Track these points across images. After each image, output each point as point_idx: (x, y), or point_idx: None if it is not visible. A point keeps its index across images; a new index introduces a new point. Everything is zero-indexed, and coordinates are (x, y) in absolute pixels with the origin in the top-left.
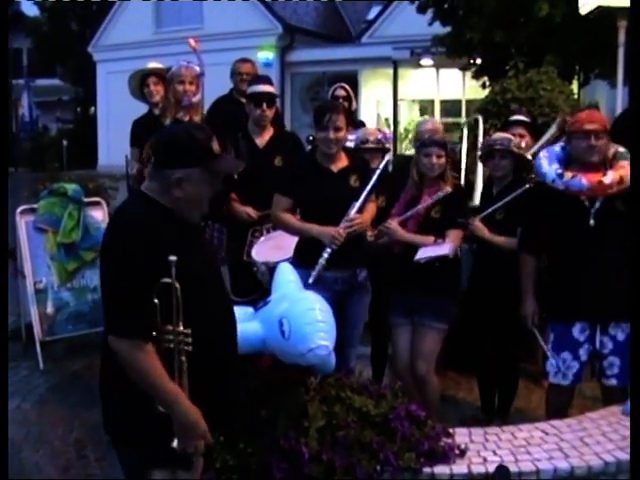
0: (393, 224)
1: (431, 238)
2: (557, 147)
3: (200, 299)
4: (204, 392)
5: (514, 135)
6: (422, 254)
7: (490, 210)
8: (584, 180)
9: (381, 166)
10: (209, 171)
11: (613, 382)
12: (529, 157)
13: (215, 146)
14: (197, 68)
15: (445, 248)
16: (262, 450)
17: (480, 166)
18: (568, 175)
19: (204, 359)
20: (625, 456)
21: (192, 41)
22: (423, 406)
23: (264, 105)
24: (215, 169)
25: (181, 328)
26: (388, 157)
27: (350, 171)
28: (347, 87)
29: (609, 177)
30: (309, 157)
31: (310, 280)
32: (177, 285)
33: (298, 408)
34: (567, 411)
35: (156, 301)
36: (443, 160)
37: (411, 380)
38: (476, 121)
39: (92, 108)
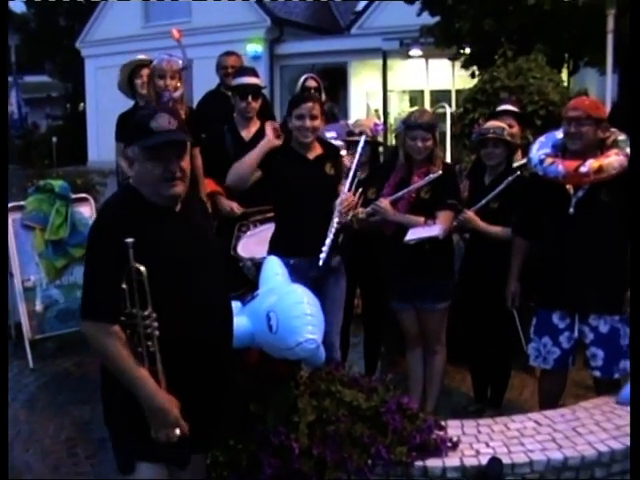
0: (384, 202)
1: (421, 219)
2: (559, 133)
3: (176, 284)
4: (181, 380)
5: None
6: (412, 235)
7: (484, 201)
8: (560, 167)
9: (359, 149)
10: (146, 148)
11: (597, 374)
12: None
13: (155, 123)
14: (180, 62)
15: (435, 229)
16: (252, 446)
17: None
18: (548, 161)
19: (181, 346)
20: (619, 445)
21: (175, 32)
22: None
23: (249, 97)
24: (149, 145)
25: (147, 312)
26: (364, 137)
27: (325, 159)
28: (317, 78)
29: (586, 166)
30: (285, 147)
31: (320, 262)
32: (142, 269)
33: (288, 403)
34: (559, 399)
35: (124, 286)
36: (430, 143)
37: (420, 350)
38: (466, 110)
39: (81, 104)
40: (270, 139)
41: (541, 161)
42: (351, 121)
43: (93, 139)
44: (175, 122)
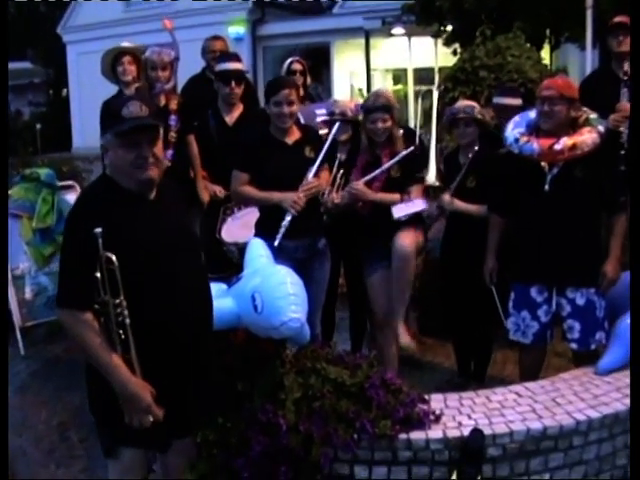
0: (360, 184)
1: (397, 195)
2: (532, 112)
3: (151, 271)
4: (158, 366)
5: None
6: (399, 213)
7: (457, 181)
8: (535, 145)
9: (332, 132)
10: (118, 135)
11: (574, 346)
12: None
13: (126, 111)
14: (172, 53)
15: (418, 204)
16: (241, 424)
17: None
18: (523, 139)
19: (159, 332)
20: (596, 414)
21: (167, 22)
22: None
23: (232, 83)
24: (121, 132)
25: (118, 301)
26: (337, 125)
27: (304, 143)
28: (302, 61)
29: (560, 143)
30: (263, 131)
31: (275, 243)
32: (113, 258)
33: (274, 381)
34: (539, 371)
35: (97, 275)
36: (389, 123)
37: (390, 334)
38: (446, 89)
39: (64, 90)
40: (289, 202)
41: (516, 140)
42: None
43: (77, 125)
44: (147, 109)
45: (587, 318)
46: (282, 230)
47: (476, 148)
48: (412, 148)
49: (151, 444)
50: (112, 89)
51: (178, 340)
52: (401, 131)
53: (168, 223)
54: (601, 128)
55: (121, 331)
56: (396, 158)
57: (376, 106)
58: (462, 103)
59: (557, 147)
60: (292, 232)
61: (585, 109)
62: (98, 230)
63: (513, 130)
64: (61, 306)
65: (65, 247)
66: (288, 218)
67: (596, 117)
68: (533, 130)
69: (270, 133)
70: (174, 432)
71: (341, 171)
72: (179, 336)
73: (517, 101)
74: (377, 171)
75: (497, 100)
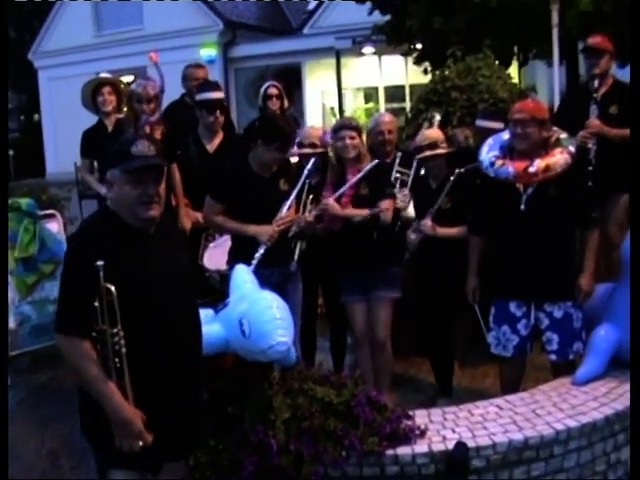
0: (330, 200)
1: (365, 211)
2: (506, 134)
3: (148, 303)
4: (151, 393)
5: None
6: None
7: (436, 206)
8: (510, 168)
9: (307, 167)
10: (126, 172)
11: (553, 357)
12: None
13: (135, 149)
14: (157, 86)
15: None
16: (232, 445)
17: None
18: (498, 163)
19: (153, 360)
20: (575, 423)
21: (153, 55)
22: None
23: (217, 112)
24: (129, 169)
25: (115, 330)
26: (314, 159)
27: (279, 175)
28: (279, 85)
29: (534, 166)
30: (242, 164)
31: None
32: (112, 289)
33: (264, 402)
34: (519, 384)
35: (96, 304)
36: (357, 141)
37: (368, 349)
38: (419, 110)
39: (36, 115)
40: (266, 236)
41: (492, 163)
42: (301, 129)
43: (50, 151)
44: (154, 148)
45: (565, 330)
46: (255, 262)
47: (451, 178)
48: (376, 162)
49: (143, 467)
50: (85, 114)
51: (171, 367)
52: (368, 154)
53: (164, 256)
54: (572, 148)
55: (117, 359)
56: (361, 173)
57: (343, 124)
58: (426, 137)
59: (531, 169)
60: (266, 260)
61: (555, 129)
62: (100, 263)
63: (488, 153)
64: (60, 332)
65: (67, 276)
66: (261, 250)
67: (566, 137)
68: (507, 152)
69: (249, 165)
70: (166, 455)
71: (310, 196)
72: (172, 363)
73: (499, 124)
74: (344, 187)
75: (480, 123)
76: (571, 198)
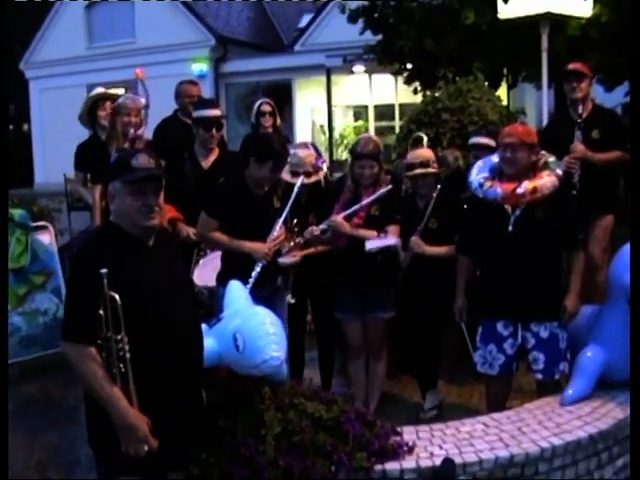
0: (339, 218)
1: (374, 232)
2: (495, 157)
3: (150, 311)
4: (156, 398)
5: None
6: (371, 245)
7: (422, 224)
8: (499, 189)
9: (296, 188)
10: (127, 183)
11: (539, 377)
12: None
13: (135, 162)
14: (142, 100)
15: (391, 239)
16: (223, 459)
17: None
18: (487, 184)
19: (154, 366)
20: (559, 441)
21: (138, 72)
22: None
23: (214, 130)
24: (131, 180)
25: (119, 336)
26: (301, 178)
27: (272, 193)
28: (272, 103)
29: (522, 187)
30: (239, 181)
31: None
32: (116, 297)
33: (255, 417)
34: (505, 402)
35: (101, 312)
36: (376, 169)
37: (362, 360)
38: (410, 130)
39: (25, 125)
40: (261, 254)
41: (480, 185)
42: (291, 146)
43: (39, 161)
44: (153, 161)
45: (551, 350)
46: (252, 280)
47: (434, 194)
48: (390, 187)
49: (146, 474)
50: (75, 126)
51: (174, 372)
52: (389, 177)
53: (164, 267)
54: (559, 171)
55: (121, 365)
56: (376, 194)
57: (364, 153)
58: (418, 155)
59: (519, 191)
60: (261, 279)
61: (543, 152)
62: (104, 271)
63: (477, 175)
64: (67, 339)
65: (72, 285)
66: (258, 269)
67: (554, 160)
68: (496, 174)
69: (246, 184)
70: (169, 463)
71: (295, 220)
72: (175, 368)
73: (492, 142)
74: (356, 206)
75: (475, 140)
76: (558, 220)
